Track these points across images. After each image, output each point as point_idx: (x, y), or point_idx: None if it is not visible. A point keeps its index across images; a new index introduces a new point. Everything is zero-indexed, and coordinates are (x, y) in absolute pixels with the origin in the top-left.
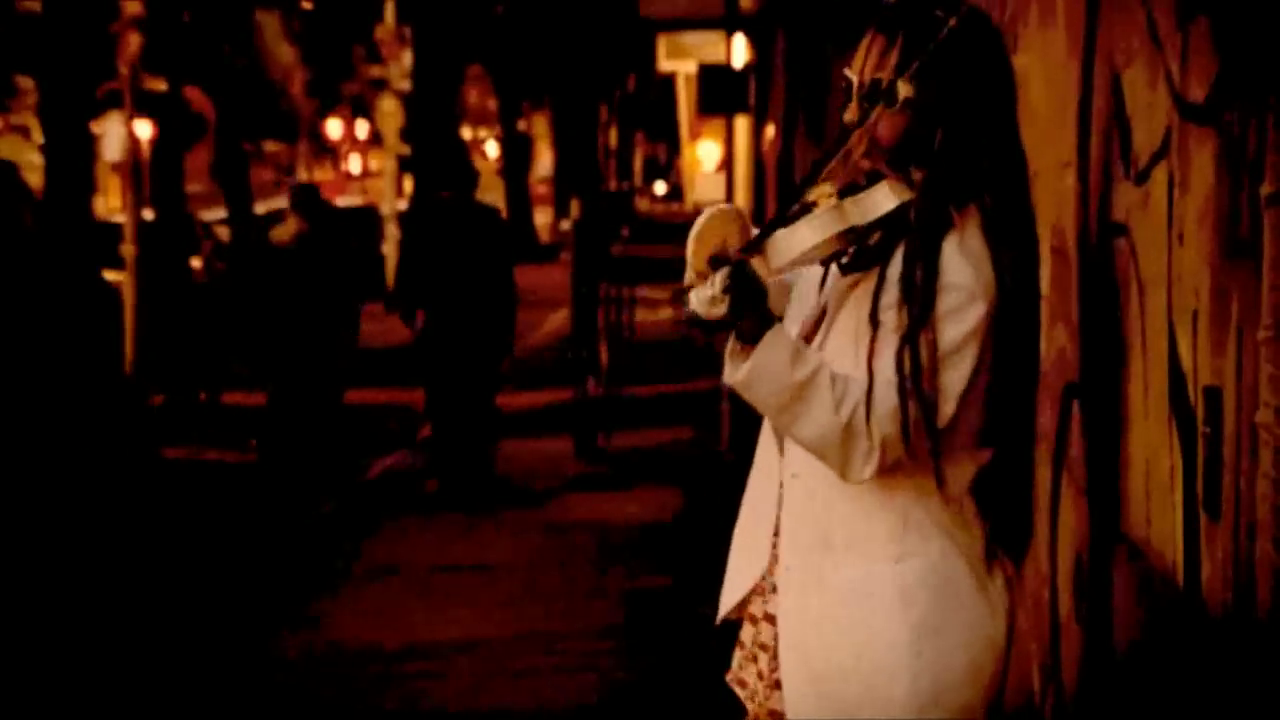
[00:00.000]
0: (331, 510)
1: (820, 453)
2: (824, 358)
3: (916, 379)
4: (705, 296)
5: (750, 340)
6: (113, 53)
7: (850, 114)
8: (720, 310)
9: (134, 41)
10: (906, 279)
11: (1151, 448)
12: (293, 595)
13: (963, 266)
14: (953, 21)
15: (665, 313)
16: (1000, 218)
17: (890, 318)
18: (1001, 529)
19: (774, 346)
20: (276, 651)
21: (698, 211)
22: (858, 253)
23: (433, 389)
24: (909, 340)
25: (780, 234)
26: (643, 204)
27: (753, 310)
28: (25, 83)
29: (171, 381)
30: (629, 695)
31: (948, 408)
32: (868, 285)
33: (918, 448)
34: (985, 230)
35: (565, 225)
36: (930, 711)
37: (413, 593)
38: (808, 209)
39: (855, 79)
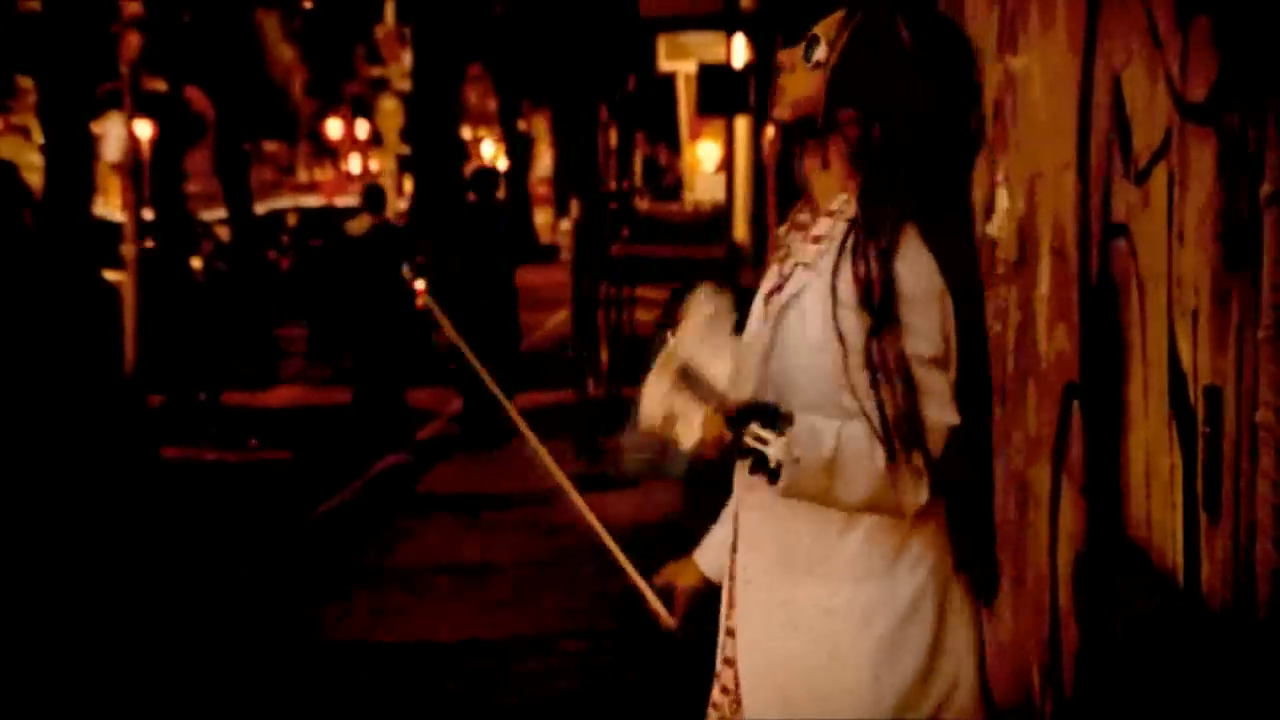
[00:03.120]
0: (330, 510)
1: (876, 507)
2: (837, 425)
3: (909, 389)
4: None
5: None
6: (113, 53)
7: None
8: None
9: (134, 41)
10: (869, 290)
11: (1151, 448)
12: (292, 595)
13: (917, 266)
14: (900, 26)
15: None
16: (936, 219)
17: (856, 332)
18: (967, 548)
19: (797, 444)
20: (275, 652)
21: (697, 211)
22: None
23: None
24: (899, 354)
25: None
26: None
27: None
28: (25, 83)
29: (171, 381)
30: (629, 696)
31: (950, 412)
32: (815, 297)
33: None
34: (924, 233)
35: (565, 225)
36: None
37: (413, 593)
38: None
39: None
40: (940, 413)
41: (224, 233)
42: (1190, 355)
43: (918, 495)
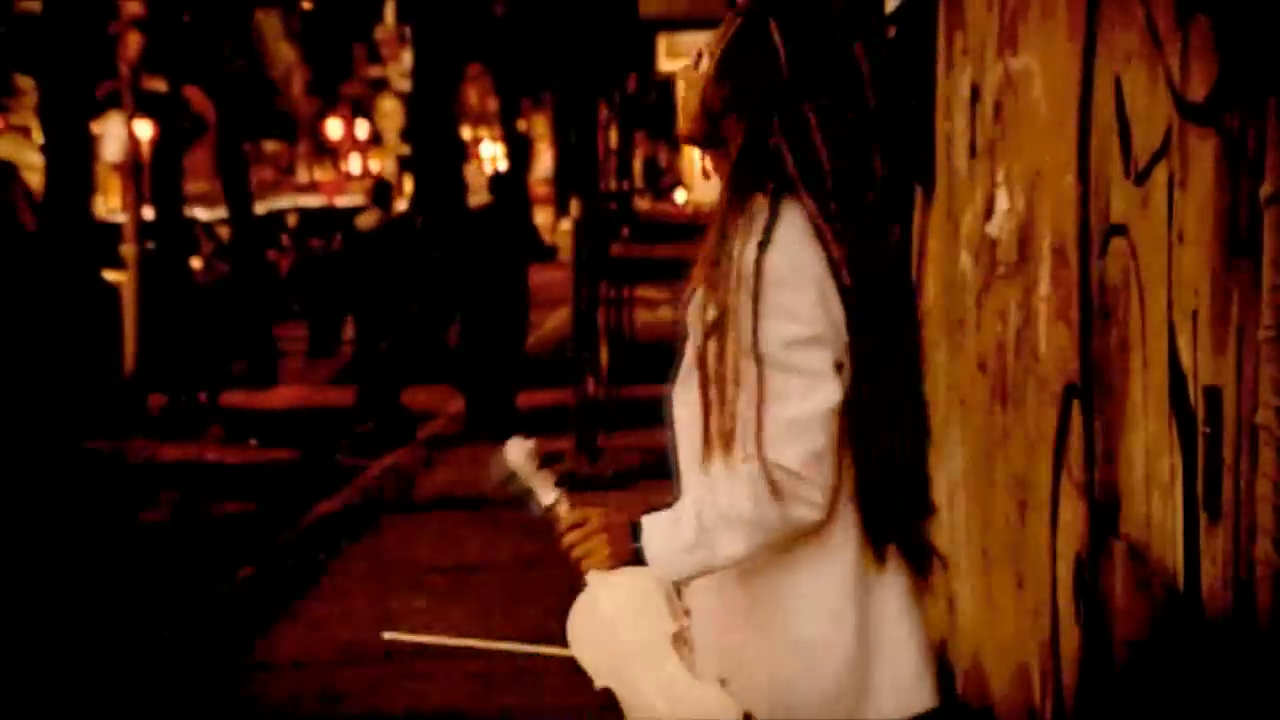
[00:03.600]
0: (330, 510)
1: (775, 537)
2: (691, 507)
3: (764, 395)
4: None
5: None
6: (113, 53)
7: None
8: None
9: (134, 41)
10: (722, 286)
11: (1151, 448)
12: (291, 595)
13: (782, 258)
14: (770, 24)
15: (665, 313)
16: (824, 205)
17: (721, 346)
18: (893, 527)
19: (652, 537)
20: (275, 651)
21: (697, 212)
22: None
23: (472, 346)
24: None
25: None
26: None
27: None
28: (25, 83)
29: (171, 381)
30: None
31: (826, 393)
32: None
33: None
34: (811, 218)
35: (565, 225)
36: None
37: (411, 592)
38: None
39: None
40: (810, 400)
41: (224, 233)
42: (1190, 355)
43: (813, 515)
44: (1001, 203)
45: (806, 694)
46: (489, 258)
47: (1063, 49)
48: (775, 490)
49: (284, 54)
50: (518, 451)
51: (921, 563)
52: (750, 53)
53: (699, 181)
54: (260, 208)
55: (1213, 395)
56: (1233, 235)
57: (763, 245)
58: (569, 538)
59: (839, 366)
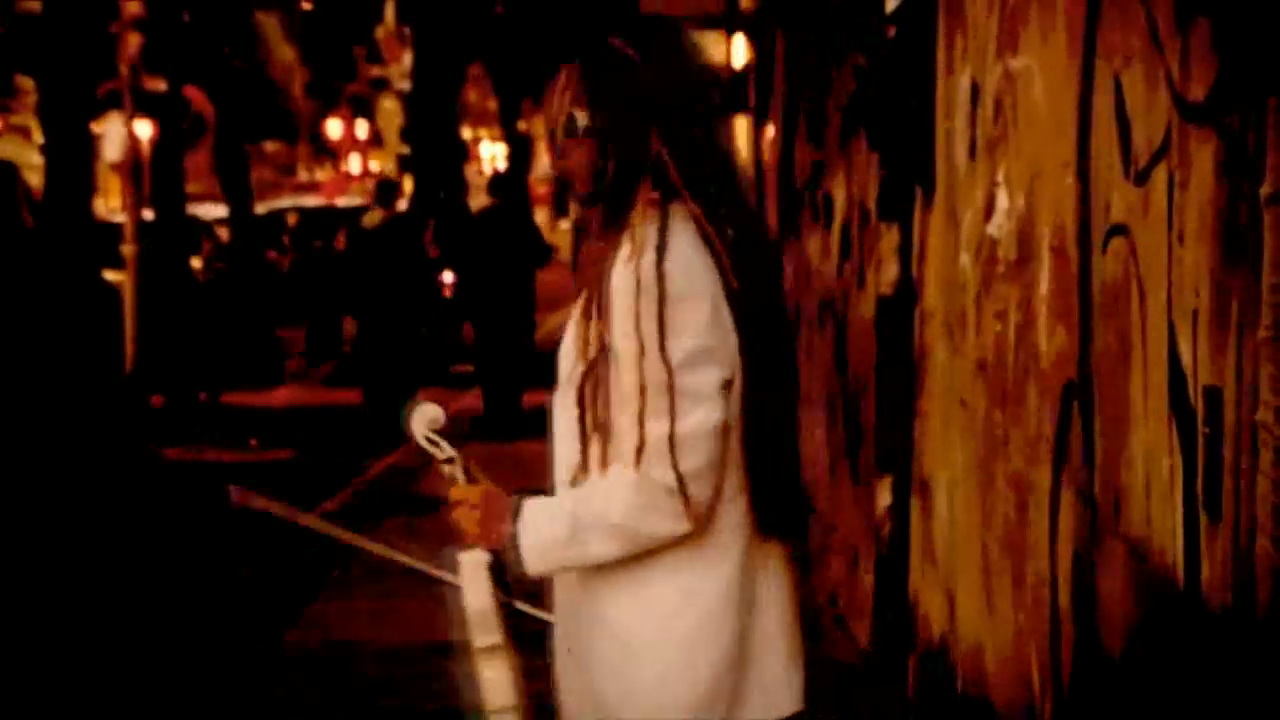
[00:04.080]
0: (332, 509)
1: (644, 546)
2: (570, 499)
3: (658, 410)
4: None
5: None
6: (113, 53)
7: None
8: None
9: (134, 41)
10: (606, 300)
11: (1151, 448)
12: (292, 595)
13: (677, 268)
14: (616, 44)
15: None
16: (710, 214)
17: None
18: (776, 521)
19: (530, 524)
20: (275, 651)
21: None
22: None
23: (483, 343)
24: (640, 375)
25: None
26: None
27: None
28: (25, 83)
29: (171, 381)
30: None
31: (710, 410)
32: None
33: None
34: (699, 228)
35: (565, 225)
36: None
37: (412, 592)
38: None
39: (549, 125)
40: (691, 418)
41: (224, 233)
42: (1190, 355)
43: (683, 524)
44: (1002, 202)
45: (685, 695)
46: (494, 260)
47: (1063, 49)
48: (649, 504)
49: (284, 54)
50: (422, 418)
51: (802, 559)
52: (611, 79)
53: None
54: (260, 208)
55: (1213, 395)
56: (1233, 235)
57: (660, 252)
58: (455, 513)
59: (727, 383)
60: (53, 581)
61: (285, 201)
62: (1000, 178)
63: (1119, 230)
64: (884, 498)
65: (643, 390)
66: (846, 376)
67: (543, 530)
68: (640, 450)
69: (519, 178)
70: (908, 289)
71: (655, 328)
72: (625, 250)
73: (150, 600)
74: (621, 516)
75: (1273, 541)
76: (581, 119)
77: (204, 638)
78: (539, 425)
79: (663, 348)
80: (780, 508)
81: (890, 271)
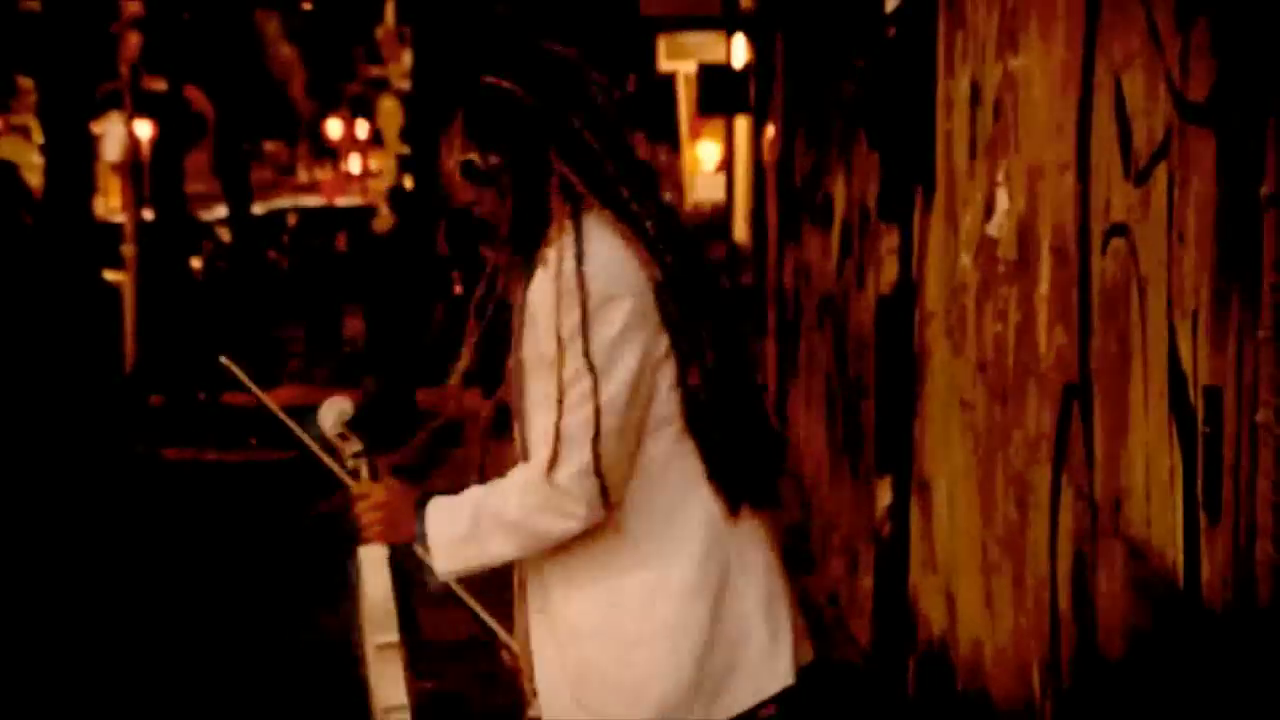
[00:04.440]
0: (331, 509)
1: (544, 544)
2: (475, 495)
3: (580, 412)
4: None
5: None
6: (113, 53)
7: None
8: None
9: (134, 41)
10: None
11: (1151, 448)
12: (293, 595)
13: (598, 271)
14: (492, 81)
15: None
16: (625, 214)
17: (535, 362)
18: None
19: (432, 523)
20: (276, 651)
21: (697, 211)
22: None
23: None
24: (562, 376)
25: None
26: None
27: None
28: (25, 83)
29: (171, 381)
30: None
31: (614, 419)
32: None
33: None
34: (617, 229)
35: None
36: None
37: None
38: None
39: (447, 173)
40: (612, 415)
41: (224, 233)
42: (1190, 355)
43: (569, 520)
44: (1002, 202)
45: (670, 685)
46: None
47: (1063, 49)
48: (543, 503)
49: (284, 54)
50: (330, 413)
51: (802, 557)
52: (495, 118)
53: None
54: (260, 208)
55: (1212, 395)
56: (1233, 235)
57: (578, 259)
58: (356, 509)
59: (658, 376)
60: (50, 579)
61: (285, 201)
62: (1000, 178)
63: (1119, 230)
64: (884, 498)
65: (563, 393)
66: (846, 377)
67: (445, 528)
68: (554, 452)
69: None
70: (908, 289)
71: (578, 331)
72: (543, 265)
73: (147, 600)
74: (517, 515)
75: (1273, 542)
76: (479, 162)
77: (203, 638)
78: None
79: (586, 351)
80: (744, 486)
81: (890, 272)
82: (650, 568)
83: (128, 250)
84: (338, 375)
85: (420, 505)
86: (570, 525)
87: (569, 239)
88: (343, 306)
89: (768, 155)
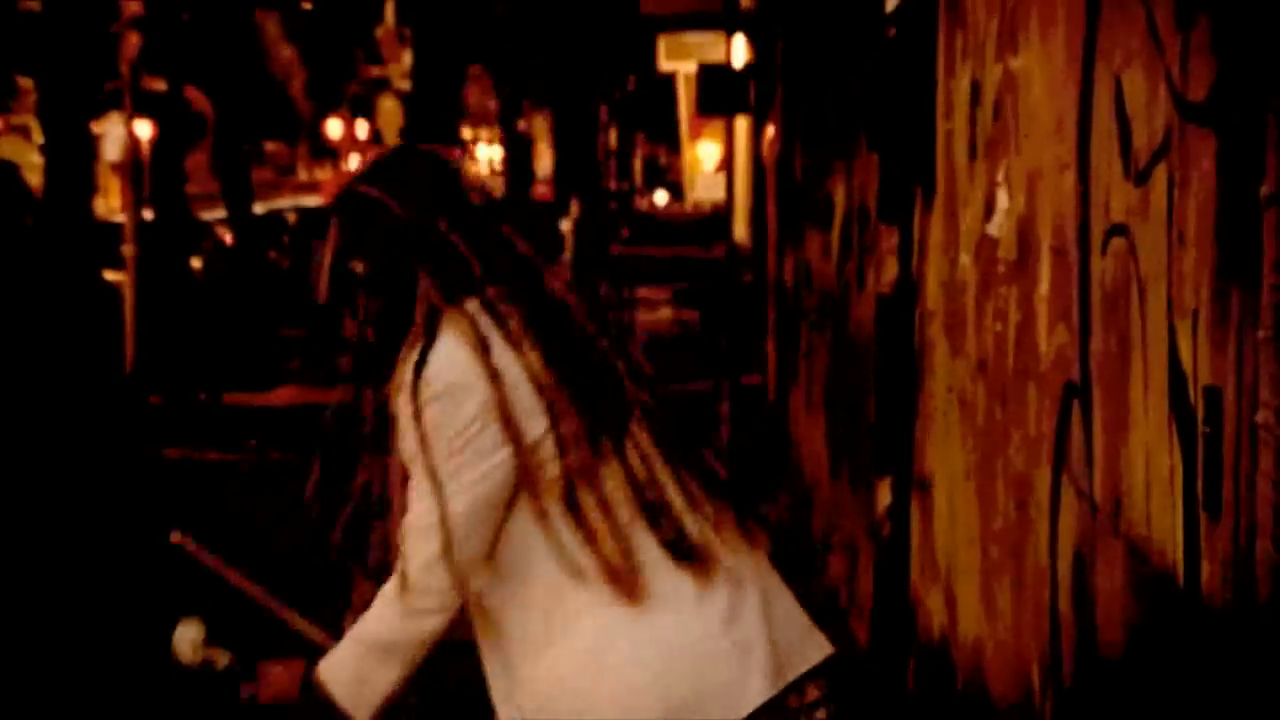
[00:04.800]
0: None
1: (422, 650)
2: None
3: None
4: None
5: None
6: (113, 53)
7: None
8: None
9: (134, 41)
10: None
11: (1151, 448)
12: (292, 592)
13: (438, 370)
14: (362, 189)
15: (665, 313)
16: (488, 314)
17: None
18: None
19: (326, 686)
20: (276, 647)
21: (698, 211)
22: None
23: None
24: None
25: None
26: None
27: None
28: (25, 83)
29: (171, 381)
30: None
31: (461, 513)
32: None
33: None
34: (474, 331)
35: (565, 225)
36: None
37: None
38: None
39: (318, 278)
40: (427, 503)
41: (224, 233)
42: (1190, 355)
43: (423, 622)
44: (1001, 202)
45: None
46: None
47: (1063, 49)
48: (401, 610)
49: (284, 54)
50: (186, 639)
51: (802, 557)
52: (366, 225)
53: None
54: (260, 208)
55: (1212, 395)
56: (1233, 235)
57: (418, 368)
58: (264, 699)
59: (522, 453)
60: (49, 578)
61: (285, 201)
62: (1000, 177)
63: (1119, 230)
64: (884, 497)
65: (417, 488)
66: (846, 376)
67: (340, 687)
68: (405, 549)
69: (520, 178)
70: (908, 289)
71: (427, 430)
72: (400, 368)
73: (146, 599)
74: (388, 634)
75: (1273, 542)
76: (357, 268)
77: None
78: None
79: (432, 450)
80: (680, 539)
81: (890, 271)
82: (598, 614)
83: (128, 250)
84: (339, 375)
85: (306, 680)
86: (432, 622)
87: (426, 343)
88: (344, 307)
89: (768, 155)
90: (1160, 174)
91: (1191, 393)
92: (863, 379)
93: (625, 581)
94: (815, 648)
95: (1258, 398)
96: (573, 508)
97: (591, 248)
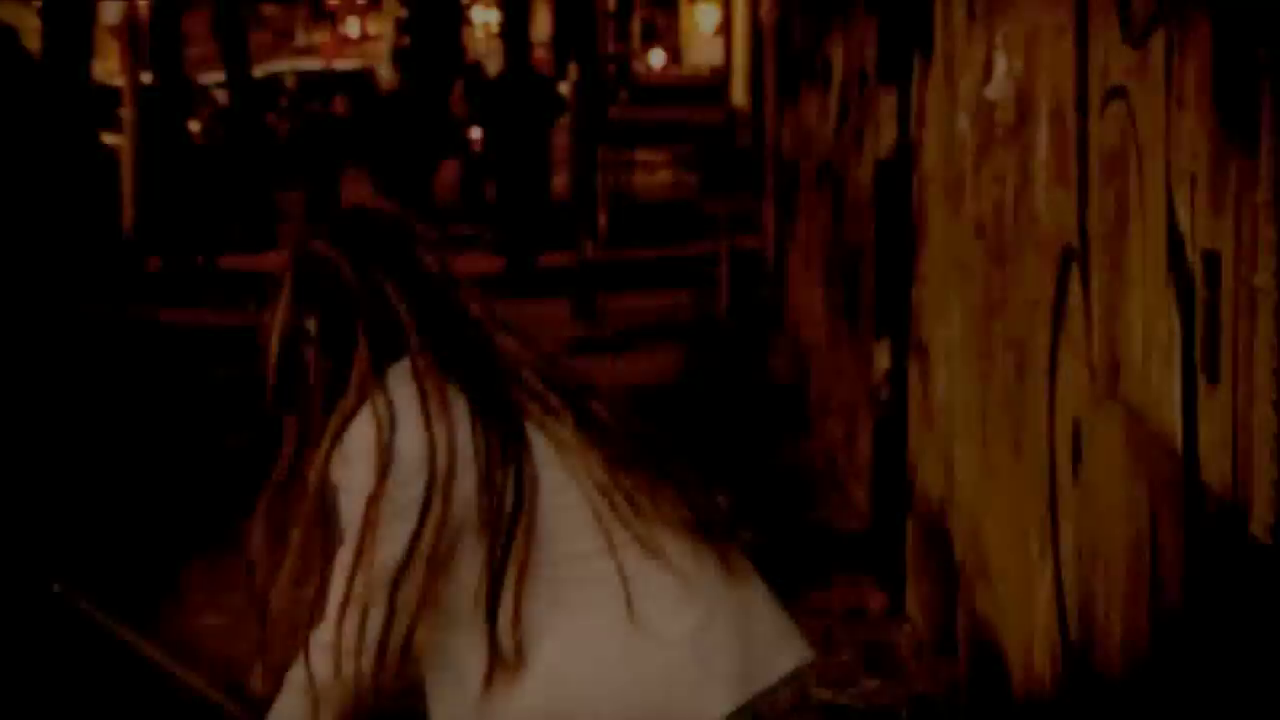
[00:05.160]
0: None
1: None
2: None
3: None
4: None
5: None
6: None
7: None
8: None
9: None
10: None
11: (1150, 311)
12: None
13: (352, 439)
14: (317, 246)
15: (664, 175)
16: (428, 382)
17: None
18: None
19: None
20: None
21: (695, 75)
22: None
23: (504, 200)
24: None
25: None
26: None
27: None
28: None
29: (169, 244)
30: None
31: (377, 590)
32: None
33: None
34: (412, 399)
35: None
36: None
37: None
38: None
39: (273, 338)
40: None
41: (222, 96)
42: (1188, 220)
43: (319, 692)
44: (1000, 65)
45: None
46: (515, 117)
47: None
48: (296, 699)
49: None
50: None
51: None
52: (317, 275)
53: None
54: (258, 71)
55: (1211, 259)
56: (1231, 99)
57: (333, 439)
58: None
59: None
60: (47, 444)
61: (283, 65)
62: (998, 40)
63: (1117, 93)
64: (882, 361)
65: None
66: (845, 240)
67: None
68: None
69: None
70: (906, 152)
71: (350, 499)
72: (335, 431)
73: (146, 467)
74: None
75: (1272, 406)
76: (310, 326)
77: (203, 509)
78: (553, 285)
79: (352, 522)
80: (649, 556)
81: (889, 135)
82: (558, 633)
83: (126, 114)
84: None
85: None
86: (343, 700)
87: (365, 408)
88: (341, 171)
89: (765, 18)
90: (1159, 37)
91: (1190, 256)
92: (861, 243)
93: (592, 602)
94: (790, 655)
95: (1256, 261)
96: (518, 550)
97: (590, 111)
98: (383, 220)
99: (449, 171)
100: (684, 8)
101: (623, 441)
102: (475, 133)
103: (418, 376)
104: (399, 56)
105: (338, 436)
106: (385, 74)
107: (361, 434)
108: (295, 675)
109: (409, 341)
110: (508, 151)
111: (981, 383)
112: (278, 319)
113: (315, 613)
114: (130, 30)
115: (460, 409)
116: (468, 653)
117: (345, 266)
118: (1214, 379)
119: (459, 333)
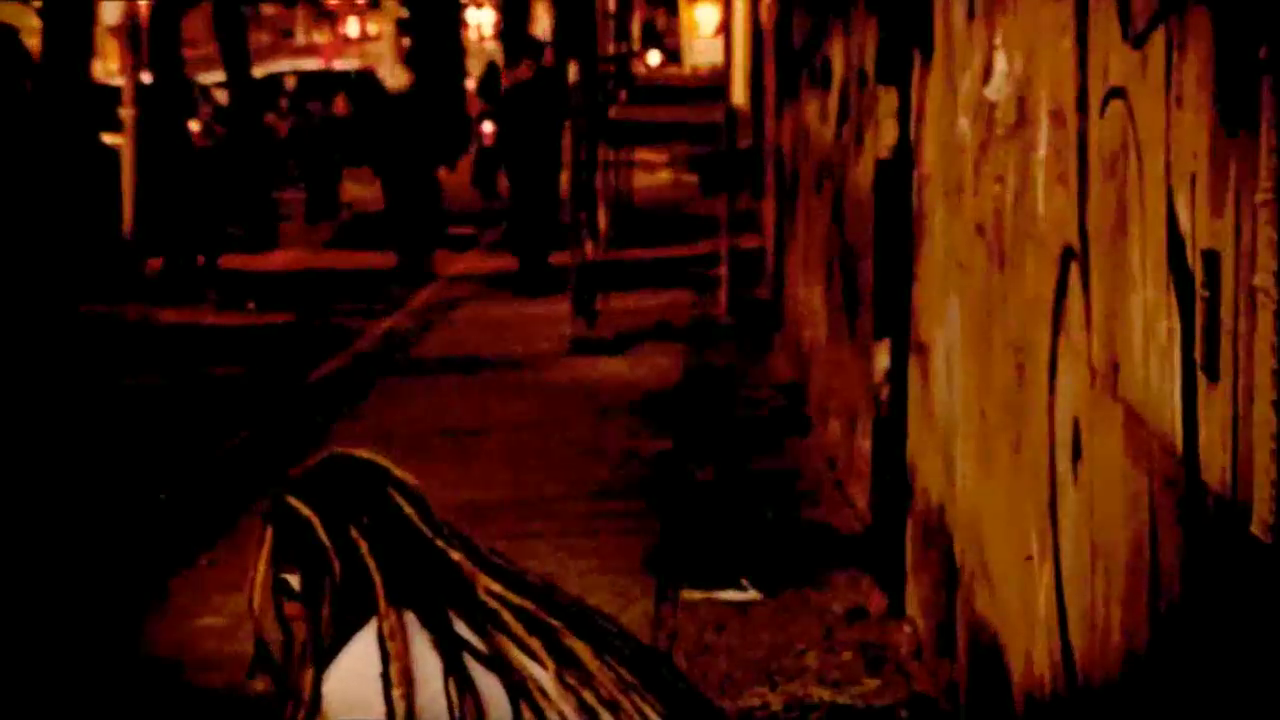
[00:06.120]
0: (329, 372)
1: None
2: None
3: None
4: None
5: None
6: None
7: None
8: None
9: None
10: None
11: (1150, 311)
12: (288, 459)
13: (342, 687)
14: (293, 503)
15: (664, 175)
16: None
17: None
18: None
19: None
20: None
21: (695, 75)
22: None
23: (517, 199)
24: None
25: None
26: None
27: None
28: None
29: (169, 244)
30: (631, 557)
31: None
32: None
33: None
34: (384, 642)
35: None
36: None
37: (408, 457)
38: None
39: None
40: None
41: (222, 96)
42: (1188, 219)
43: None
44: (1000, 65)
45: None
46: (531, 116)
47: None
48: None
49: None
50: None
51: None
52: (293, 533)
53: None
54: (258, 71)
55: (1211, 258)
56: (1231, 99)
57: (316, 677)
58: None
59: None
60: (43, 440)
61: (283, 65)
62: (999, 40)
63: (1117, 93)
64: (882, 361)
65: None
66: (845, 239)
67: None
68: None
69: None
70: (906, 152)
71: None
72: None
73: (144, 460)
74: None
75: (1272, 405)
76: (292, 581)
77: (197, 497)
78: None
79: None
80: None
81: (889, 134)
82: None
83: (126, 113)
84: (336, 238)
85: None
86: None
87: (333, 668)
88: (341, 170)
89: (765, 18)
90: (1159, 37)
91: (1190, 256)
92: (861, 243)
93: None
94: None
95: (1256, 261)
96: None
97: (590, 111)
98: (358, 472)
99: (459, 167)
100: (684, 8)
101: (605, 685)
102: (487, 126)
103: (382, 640)
104: (409, 57)
105: (315, 693)
106: (389, 74)
107: (332, 691)
108: None
109: (377, 603)
110: (523, 150)
111: (981, 383)
112: (260, 574)
113: None
114: (130, 30)
115: (430, 667)
116: None
117: (317, 524)
118: (1214, 379)
119: (433, 586)
